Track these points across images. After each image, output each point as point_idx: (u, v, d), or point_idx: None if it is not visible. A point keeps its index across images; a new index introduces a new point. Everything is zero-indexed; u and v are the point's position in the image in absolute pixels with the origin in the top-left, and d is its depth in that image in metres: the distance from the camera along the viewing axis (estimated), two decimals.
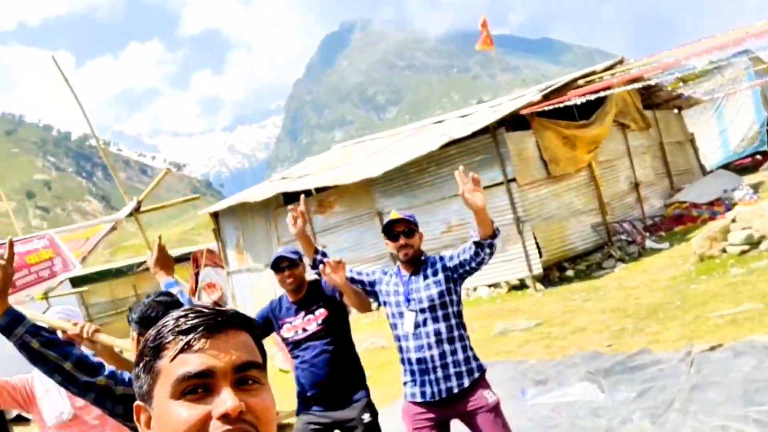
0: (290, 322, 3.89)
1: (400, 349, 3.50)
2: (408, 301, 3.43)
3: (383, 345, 9.99)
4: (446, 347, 3.37)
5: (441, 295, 3.40)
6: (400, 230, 3.45)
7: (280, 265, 3.85)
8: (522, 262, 12.26)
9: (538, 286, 11.99)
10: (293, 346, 3.89)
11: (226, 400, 0.97)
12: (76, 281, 21.00)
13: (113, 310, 24.23)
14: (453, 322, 3.41)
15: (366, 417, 3.81)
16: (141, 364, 1.04)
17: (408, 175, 13.61)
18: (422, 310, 3.39)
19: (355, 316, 14.16)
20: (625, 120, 15.53)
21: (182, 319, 1.02)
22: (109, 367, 2.34)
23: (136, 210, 7.75)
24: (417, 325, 3.39)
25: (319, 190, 15.04)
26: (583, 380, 6.09)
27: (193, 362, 0.99)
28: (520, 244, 12.22)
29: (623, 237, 13.71)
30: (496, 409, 3.35)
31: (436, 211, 13.27)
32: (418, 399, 3.43)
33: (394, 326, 3.53)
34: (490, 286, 12.68)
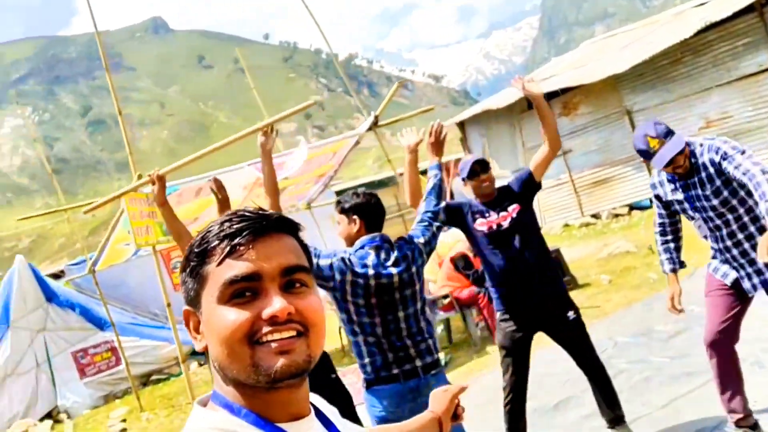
0: (484, 218, 3.89)
1: None
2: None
3: (628, 250, 9.63)
4: None
5: None
6: None
7: (475, 169, 3.89)
8: None
9: None
10: (487, 240, 3.87)
11: (274, 301, 0.97)
12: (340, 193, 23.04)
13: None
14: None
15: (571, 314, 3.83)
16: (188, 269, 1.04)
17: (660, 67, 12.54)
18: None
19: (604, 221, 13.72)
20: None
21: (227, 224, 1.01)
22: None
23: (375, 124, 8.27)
24: None
25: (564, 90, 14.51)
26: None
27: (241, 266, 0.98)
28: None
29: None
30: None
31: (693, 105, 12.14)
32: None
33: None
34: None
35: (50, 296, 10.51)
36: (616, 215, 13.83)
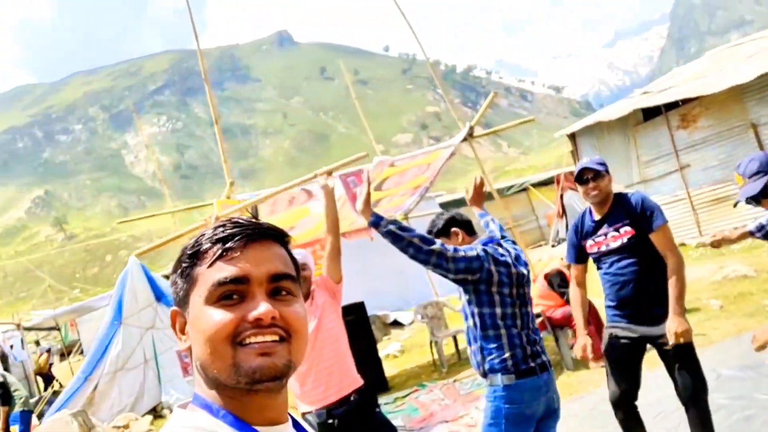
0: (593, 240, 3.77)
1: None
2: None
3: (746, 274, 8.90)
4: None
5: None
6: None
7: (583, 176, 3.70)
8: None
9: None
10: (597, 261, 3.82)
11: (260, 305, 1.00)
12: (448, 204, 22.88)
13: None
14: None
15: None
16: (179, 270, 1.07)
17: None
18: None
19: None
20: None
21: (220, 229, 1.05)
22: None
23: (470, 135, 8.12)
24: None
25: (684, 101, 13.70)
26: None
27: (230, 268, 1.01)
28: None
29: None
30: None
31: None
32: None
33: None
34: None
35: (159, 296, 11.03)
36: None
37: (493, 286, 2.99)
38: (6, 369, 14.19)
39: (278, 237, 1.09)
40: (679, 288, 3.48)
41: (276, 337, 1.00)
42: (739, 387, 5.05)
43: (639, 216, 3.62)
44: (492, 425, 2.99)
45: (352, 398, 3.38)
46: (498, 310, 3.00)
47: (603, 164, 3.72)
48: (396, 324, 13.17)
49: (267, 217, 7.39)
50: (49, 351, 18.16)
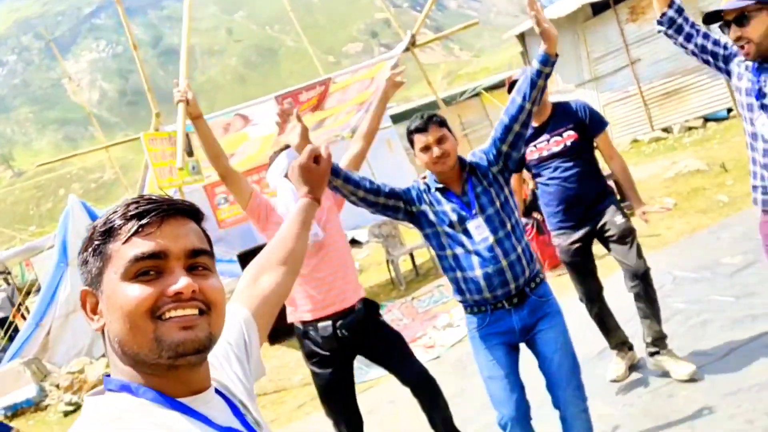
0: (534, 146, 3.84)
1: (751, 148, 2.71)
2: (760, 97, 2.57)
3: (699, 168, 8.82)
4: None
5: None
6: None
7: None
8: None
9: None
10: (537, 168, 3.89)
11: (180, 279, 0.99)
12: (402, 115, 22.39)
13: None
14: None
15: (618, 219, 3.76)
16: (89, 249, 1.04)
17: None
18: None
19: (675, 135, 12.74)
20: None
21: (133, 205, 1.03)
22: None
23: (412, 44, 7.68)
24: None
25: None
26: None
27: (147, 244, 1.00)
28: None
29: None
30: None
31: None
32: None
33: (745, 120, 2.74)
34: None
35: None
36: (690, 128, 12.80)
37: None
38: None
39: (193, 213, 1.09)
40: (631, 180, 3.88)
41: (196, 311, 1.00)
42: (695, 290, 4.98)
43: (583, 120, 3.75)
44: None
45: (356, 308, 3.21)
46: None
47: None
48: (354, 243, 13.02)
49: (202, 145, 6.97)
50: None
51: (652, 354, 3.87)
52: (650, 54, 13.16)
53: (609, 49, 14.05)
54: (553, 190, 3.81)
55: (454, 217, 2.70)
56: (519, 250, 2.70)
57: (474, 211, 2.69)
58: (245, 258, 8.26)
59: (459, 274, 2.72)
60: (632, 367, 4.09)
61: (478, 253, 2.66)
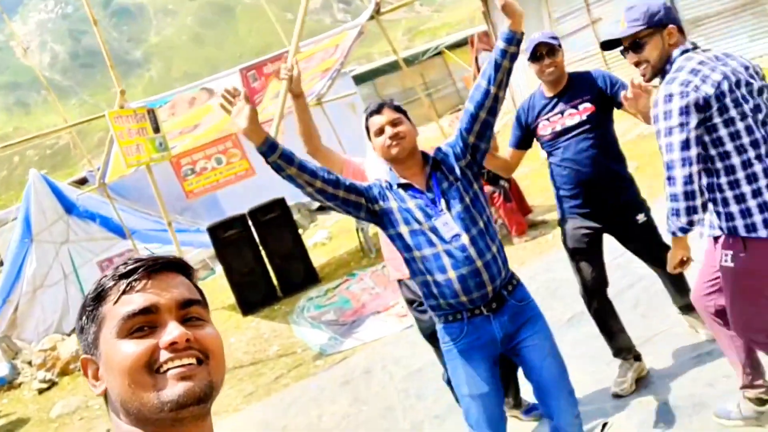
0: (547, 119, 3.51)
1: None
2: None
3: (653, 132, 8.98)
4: None
5: None
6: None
7: (537, 53, 3.40)
8: None
9: None
10: (550, 146, 3.55)
11: (172, 329, 0.99)
12: (364, 76, 22.28)
13: (405, 99, 25.19)
14: None
15: (640, 217, 3.51)
16: (84, 316, 1.05)
17: None
18: None
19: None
20: None
21: (121, 267, 1.04)
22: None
23: (377, 12, 7.64)
24: None
25: None
26: None
27: (137, 300, 1.01)
28: None
29: None
30: None
31: None
32: None
33: None
34: None
35: (69, 208, 10.49)
36: (655, 87, 12.98)
37: None
38: None
39: (180, 268, 1.09)
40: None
41: (194, 360, 0.99)
42: None
43: (603, 90, 3.40)
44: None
45: None
46: None
47: (556, 38, 3.44)
48: (322, 209, 13.05)
49: (168, 119, 6.90)
50: None
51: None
52: (611, 13, 13.23)
53: (570, 8, 14.09)
54: (566, 173, 3.49)
55: (419, 215, 2.49)
56: (494, 249, 2.51)
57: (440, 208, 2.50)
58: (214, 231, 8.26)
59: (429, 277, 2.49)
60: (639, 381, 3.63)
61: (449, 254, 2.45)
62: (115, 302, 1.01)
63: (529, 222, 7.29)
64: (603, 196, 3.46)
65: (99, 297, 1.03)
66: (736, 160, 2.45)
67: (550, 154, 3.58)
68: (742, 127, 2.41)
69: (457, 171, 2.56)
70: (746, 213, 2.46)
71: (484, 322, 2.51)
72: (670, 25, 2.58)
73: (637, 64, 2.64)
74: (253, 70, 6.52)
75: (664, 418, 3.28)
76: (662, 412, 3.34)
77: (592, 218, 3.51)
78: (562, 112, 3.45)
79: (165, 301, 1.01)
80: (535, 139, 3.67)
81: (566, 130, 3.45)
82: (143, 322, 0.99)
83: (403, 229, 2.51)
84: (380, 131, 2.59)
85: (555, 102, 3.47)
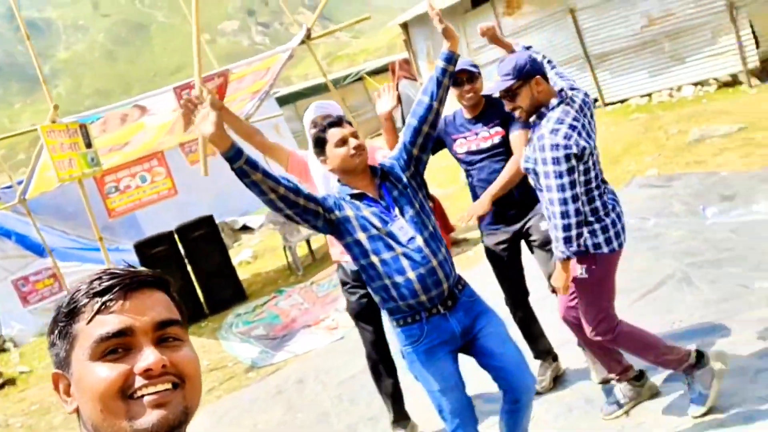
0: (464, 137, 3.75)
1: None
2: None
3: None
4: None
5: None
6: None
7: (458, 79, 3.63)
8: (735, 55, 10.79)
9: (754, 81, 10.58)
10: (467, 164, 3.78)
11: (148, 354, 0.96)
12: (287, 98, 22.44)
13: None
14: None
15: (543, 225, 3.68)
16: (56, 331, 1.02)
17: None
18: None
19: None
20: None
21: (96, 282, 1.01)
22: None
23: (307, 37, 7.91)
24: None
25: None
26: None
27: (111, 322, 0.97)
28: (733, 34, 10.69)
29: None
30: None
31: (635, 3, 11.90)
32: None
33: None
34: (696, 84, 11.44)
35: None
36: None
37: None
38: None
39: (159, 283, 1.05)
40: (505, 182, 3.62)
41: (169, 385, 0.97)
42: None
43: (511, 115, 3.55)
44: None
45: None
46: None
47: (476, 66, 3.76)
48: (245, 229, 13.10)
49: (99, 136, 6.91)
50: None
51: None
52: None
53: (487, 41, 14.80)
54: (481, 193, 3.69)
55: (376, 221, 2.64)
56: (443, 250, 2.71)
57: (394, 214, 2.67)
58: (141, 248, 8.26)
59: (388, 281, 2.63)
60: (556, 379, 4.01)
61: (407, 256, 2.61)
62: (89, 322, 0.98)
63: (452, 239, 7.67)
64: (516, 210, 3.73)
65: (72, 313, 1.00)
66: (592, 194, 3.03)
67: (467, 173, 3.83)
68: (591, 169, 2.98)
69: (405, 180, 2.76)
70: (593, 234, 3.05)
71: (441, 321, 2.68)
72: (537, 76, 3.01)
73: (513, 110, 3.11)
74: (187, 89, 6.64)
75: (578, 410, 3.66)
76: (576, 405, 3.72)
77: (506, 230, 3.78)
78: (477, 134, 3.71)
79: (140, 324, 0.98)
80: (451, 154, 3.92)
81: (479, 151, 3.71)
82: (117, 344, 0.97)
83: (361, 236, 2.64)
84: (342, 142, 2.74)
85: (473, 123, 3.75)
